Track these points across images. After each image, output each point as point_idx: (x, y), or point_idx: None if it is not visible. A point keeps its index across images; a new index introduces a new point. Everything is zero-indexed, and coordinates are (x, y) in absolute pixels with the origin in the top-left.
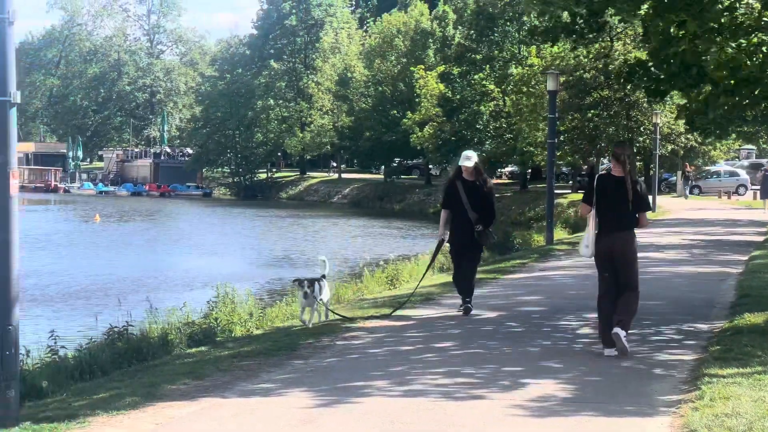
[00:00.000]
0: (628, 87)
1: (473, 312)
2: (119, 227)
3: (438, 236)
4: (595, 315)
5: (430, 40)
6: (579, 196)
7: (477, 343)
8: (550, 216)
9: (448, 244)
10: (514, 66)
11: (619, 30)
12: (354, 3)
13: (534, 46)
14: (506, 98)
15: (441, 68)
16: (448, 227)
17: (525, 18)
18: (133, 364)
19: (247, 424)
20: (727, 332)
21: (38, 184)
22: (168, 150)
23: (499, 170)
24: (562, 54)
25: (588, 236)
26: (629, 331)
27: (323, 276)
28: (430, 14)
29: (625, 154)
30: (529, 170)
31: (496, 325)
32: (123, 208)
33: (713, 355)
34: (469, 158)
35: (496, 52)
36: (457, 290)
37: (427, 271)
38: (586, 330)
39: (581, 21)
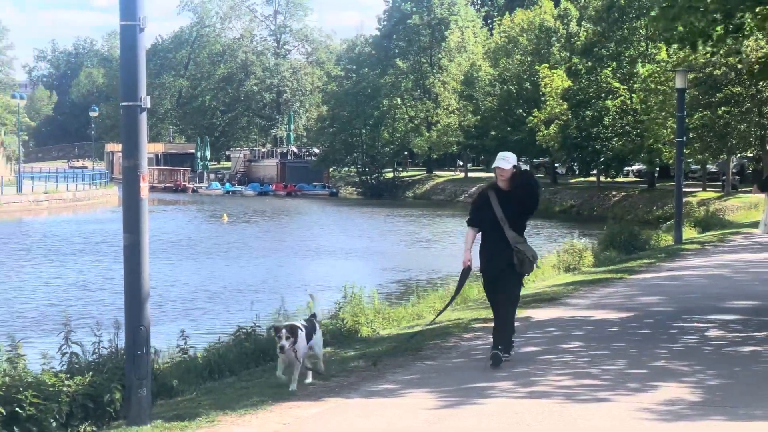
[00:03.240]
0: (761, 83)
1: (506, 355)
2: (247, 227)
3: (464, 262)
4: (724, 316)
5: (554, 38)
6: (708, 194)
7: (603, 344)
8: (679, 215)
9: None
10: (641, 63)
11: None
12: (480, 1)
13: (663, 44)
14: (633, 95)
15: (567, 65)
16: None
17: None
18: (260, 364)
19: (372, 425)
20: None
21: (167, 185)
22: (294, 150)
23: (626, 168)
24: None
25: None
26: None
27: (313, 316)
28: (554, 12)
29: None
30: (657, 168)
31: (623, 326)
32: (250, 207)
33: None
34: (507, 159)
35: (623, 48)
36: (493, 333)
37: (449, 305)
38: (715, 332)
39: (716, 25)
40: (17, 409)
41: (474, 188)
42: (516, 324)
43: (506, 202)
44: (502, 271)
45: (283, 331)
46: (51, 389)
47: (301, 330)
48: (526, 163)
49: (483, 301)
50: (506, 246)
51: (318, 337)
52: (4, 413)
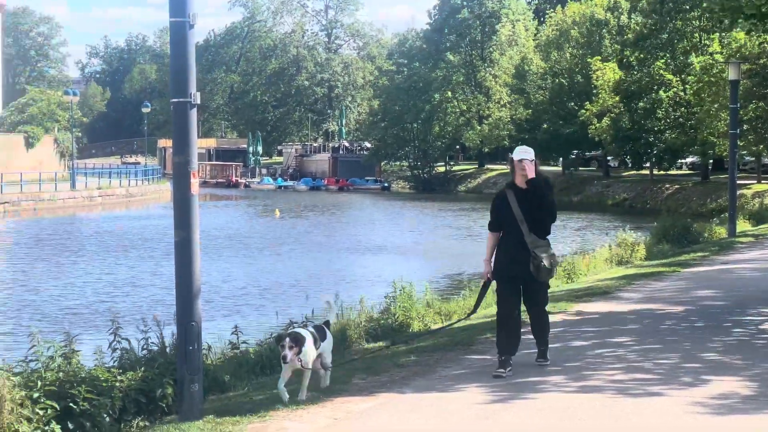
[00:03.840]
0: None
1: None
2: (298, 222)
3: (484, 273)
4: None
5: (605, 30)
6: (762, 186)
7: (655, 338)
8: (733, 207)
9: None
10: (695, 55)
11: None
12: None
13: (716, 34)
14: (686, 87)
15: (618, 57)
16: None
17: (705, 4)
18: None
19: (423, 420)
20: None
21: (220, 180)
22: (346, 144)
23: (679, 161)
24: (743, 41)
25: None
26: None
27: (326, 323)
28: (605, 3)
29: None
30: (711, 161)
31: (676, 319)
32: (302, 202)
33: None
34: (527, 152)
35: (675, 40)
36: (497, 346)
37: (471, 314)
38: None
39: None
40: (71, 404)
41: None
42: (564, 318)
43: (525, 201)
44: (521, 278)
45: (287, 339)
46: (104, 384)
47: (307, 338)
48: (579, 156)
49: None
50: (524, 250)
51: (327, 345)
52: (59, 408)
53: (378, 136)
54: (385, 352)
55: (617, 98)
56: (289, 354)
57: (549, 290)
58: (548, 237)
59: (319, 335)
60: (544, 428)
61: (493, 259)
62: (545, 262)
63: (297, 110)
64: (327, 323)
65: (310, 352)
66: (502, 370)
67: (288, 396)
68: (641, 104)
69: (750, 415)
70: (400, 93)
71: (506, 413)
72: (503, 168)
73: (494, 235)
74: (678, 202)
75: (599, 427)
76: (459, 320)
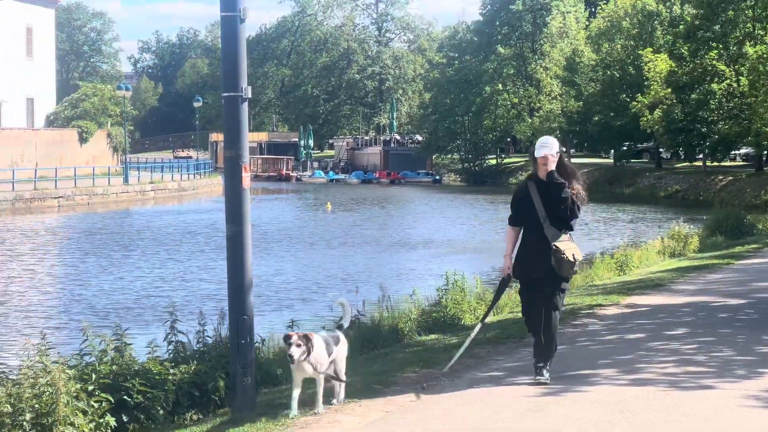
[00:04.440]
0: None
1: (543, 379)
2: (350, 215)
3: (503, 270)
4: None
5: (656, 21)
6: None
7: (709, 330)
8: None
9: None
10: (749, 44)
11: None
12: None
13: None
14: (740, 78)
15: (670, 48)
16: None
17: None
18: (364, 352)
19: (477, 413)
20: None
21: (271, 173)
22: (397, 137)
23: (732, 152)
24: None
25: None
26: None
27: (340, 327)
28: None
29: None
30: (765, 152)
31: (730, 312)
32: (353, 196)
33: None
34: (547, 145)
35: (728, 31)
36: (534, 348)
37: (487, 314)
38: None
39: None
40: (125, 396)
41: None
42: (617, 311)
43: (548, 195)
44: (540, 277)
45: (294, 337)
46: (157, 377)
47: (317, 340)
48: (631, 148)
49: (587, 287)
50: (546, 246)
51: (341, 351)
52: (113, 401)
53: (429, 129)
54: (437, 345)
55: (669, 90)
56: (296, 352)
57: (602, 282)
58: (571, 232)
59: (332, 340)
60: (596, 421)
61: (514, 255)
62: (566, 255)
63: (348, 103)
64: (341, 327)
65: (321, 354)
66: (540, 377)
67: (297, 411)
68: (693, 96)
69: None
70: (451, 86)
71: (557, 406)
72: None
73: (515, 229)
74: (731, 193)
75: (652, 421)
76: (474, 324)
